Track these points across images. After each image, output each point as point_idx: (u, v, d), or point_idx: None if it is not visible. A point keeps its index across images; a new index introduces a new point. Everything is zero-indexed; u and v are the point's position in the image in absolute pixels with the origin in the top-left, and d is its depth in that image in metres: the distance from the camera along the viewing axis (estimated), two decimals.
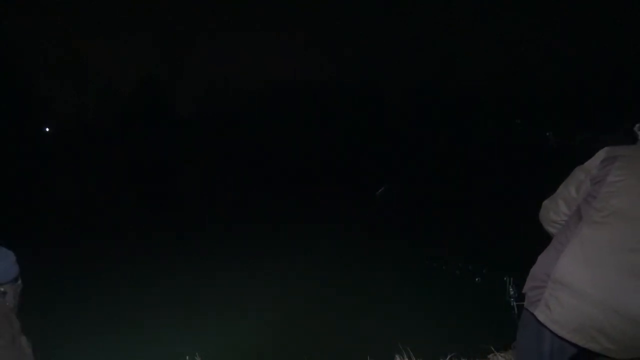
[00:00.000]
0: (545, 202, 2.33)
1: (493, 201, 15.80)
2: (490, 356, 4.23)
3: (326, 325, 7.32)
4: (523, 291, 2.19)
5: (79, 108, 48.90)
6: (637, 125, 2.33)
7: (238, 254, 11.11)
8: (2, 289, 2.33)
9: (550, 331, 1.97)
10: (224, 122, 43.96)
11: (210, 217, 16.48)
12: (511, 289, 3.00)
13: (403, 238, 12.27)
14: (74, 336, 6.92)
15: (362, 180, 23.84)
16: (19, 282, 2.45)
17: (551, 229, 2.29)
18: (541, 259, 2.13)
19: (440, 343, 4.89)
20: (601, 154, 2.13)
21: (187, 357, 4.84)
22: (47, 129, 44.27)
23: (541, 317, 1.97)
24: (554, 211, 2.26)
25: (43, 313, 7.05)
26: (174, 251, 11.73)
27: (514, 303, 3.11)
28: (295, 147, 33.19)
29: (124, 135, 42.60)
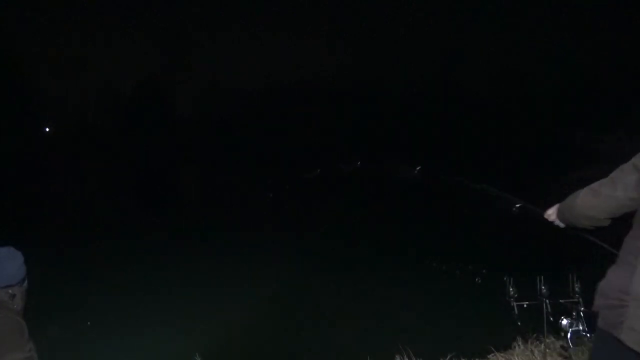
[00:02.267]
0: (586, 197, 2.11)
1: (494, 202, 15.77)
2: (490, 356, 4.24)
3: (326, 325, 7.32)
4: (594, 309, 2.04)
5: (79, 108, 48.90)
6: None
7: (238, 254, 11.10)
8: (10, 291, 2.31)
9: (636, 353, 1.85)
10: (224, 122, 43.89)
11: (211, 217, 16.48)
12: (511, 289, 3.00)
13: (403, 239, 12.26)
14: (74, 337, 6.92)
15: (363, 181, 23.83)
16: (25, 283, 2.44)
17: (585, 223, 2.14)
18: (611, 275, 1.99)
19: (440, 343, 4.89)
20: None
21: (187, 357, 4.84)
22: (47, 129, 44.21)
23: (628, 341, 1.84)
24: (597, 210, 2.07)
25: (43, 313, 7.05)
26: (174, 251, 11.73)
27: (514, 303, 3.11)
28: (296, 148, 33.20)
29: (124, 135, 42.55)
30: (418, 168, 2.81)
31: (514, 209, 2.71)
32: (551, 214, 2.41)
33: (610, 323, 1.91)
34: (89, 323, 7.24)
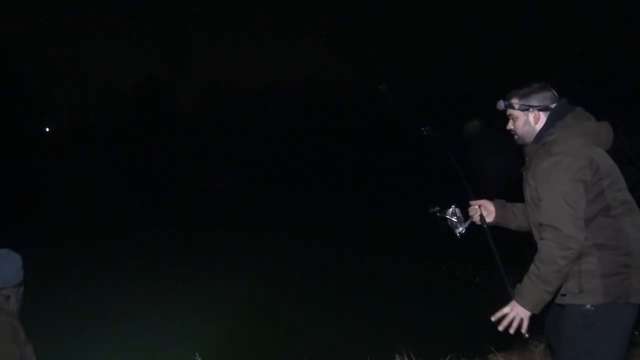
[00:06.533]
0: (562, 237, 2.14)
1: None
2: (490, 356, 4.23)
3: (326, 325, 7.32)
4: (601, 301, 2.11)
5: (79, 108, 48.84)
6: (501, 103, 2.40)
7: (239, 254, 11.10)
8: (4, 293, 2.30)
9: None
10: (225, 122, 43.83)
11: (211, 217, 16.48)
12: (511, 289, 3.00)
13: (403, 238, 12.26)
14: (74, 336, 6.92)
15: (363, 181, 23.84)
16: (22, 286, 2.42)
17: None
18: (604, 260, 2.13)
19: (440, 343, 4.89)
20: (583, 160, 2.16)
21: (187, 357, 4.84)
22: (47, 129, 44.10)
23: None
24: (578, 234, 2.12)
25: (44, 313, 7.05)
26: (174, 251, 11.74)
27: None
28: (296, 148, 33.17)
29: (124, 135, 42.49)
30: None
31: (436, 214, 2.80)
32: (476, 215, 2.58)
33: (617, 296, 2.09)
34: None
